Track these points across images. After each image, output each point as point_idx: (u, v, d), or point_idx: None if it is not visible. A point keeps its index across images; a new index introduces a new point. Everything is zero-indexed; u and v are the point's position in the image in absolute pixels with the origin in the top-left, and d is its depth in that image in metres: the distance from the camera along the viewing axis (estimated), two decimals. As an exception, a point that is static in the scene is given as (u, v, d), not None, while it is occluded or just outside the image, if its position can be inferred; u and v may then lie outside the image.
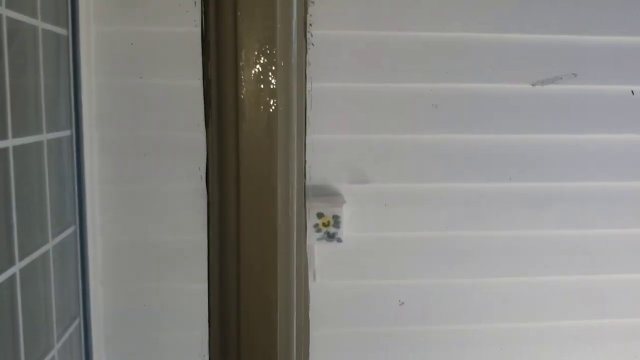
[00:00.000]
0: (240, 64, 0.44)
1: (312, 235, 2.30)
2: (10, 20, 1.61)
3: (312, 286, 2.36)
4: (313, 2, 1.88)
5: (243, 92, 0.41)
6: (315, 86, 2.23)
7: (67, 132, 2.06)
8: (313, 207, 2.29)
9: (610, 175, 2.44)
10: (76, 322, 2.15)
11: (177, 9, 2.17)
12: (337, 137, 2.30)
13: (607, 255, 2.50)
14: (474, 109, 2.34)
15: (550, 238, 2.46)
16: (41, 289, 1.86)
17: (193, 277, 2.32)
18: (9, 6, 1.60)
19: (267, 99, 0.45)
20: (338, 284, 2.39)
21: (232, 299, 0.47)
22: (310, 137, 2.28)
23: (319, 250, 2.36)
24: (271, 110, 0.46)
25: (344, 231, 2.32)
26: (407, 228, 2.39)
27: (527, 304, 2.49)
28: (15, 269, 1.64)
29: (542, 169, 2.40)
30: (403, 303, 2.43)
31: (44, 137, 1.86)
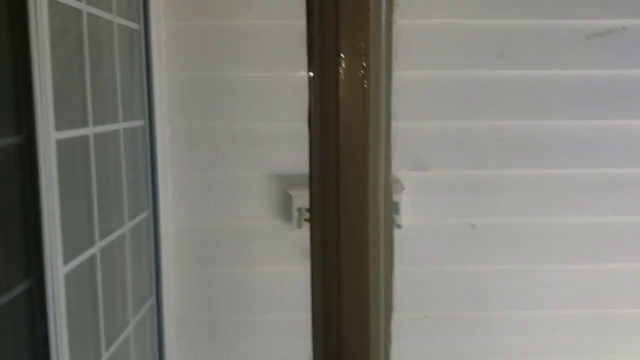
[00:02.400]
0: (341, 58, 0.48)
1: (373, 222, 2.35)
2: (90, 16, 1.73)
3: (373, 271, 2.41)
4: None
5: (341, 83, 0.45)
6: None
7: (140, 122, 2.18)
8: (374, 194, 2.33)
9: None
10: (149, 302, 2.27)
11: (246, 3, 2.26)
12: (396, 124, 2.33)
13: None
14: (536, 95, 2.33)
15: (615, 225, 2.42)
16: (118, 269, 1.98)
17: (260, 262, 2.41)
18: (89, 3, 1.71)
19: (363, 84, 0.50)
20: (397, 270, 2.43)
21: (334, 276, 0.51)
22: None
23: (379, 236, 2.40)
24: (366, 96, 0.51)
25: (404, 218, 2.35)
26: (467, 215, 2.40)
27: (587, 291, 2.47)
28: (95, 249, 1.76)
29: (606, 155, 2.37)
30: (462, 288, 2.45)
31: (120, 125, 1.98)
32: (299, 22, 2.27)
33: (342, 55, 0.58)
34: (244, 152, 2.36)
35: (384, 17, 0.57)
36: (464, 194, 2.39)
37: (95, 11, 1.77)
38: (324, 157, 0.61)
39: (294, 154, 2.37)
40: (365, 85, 0.59)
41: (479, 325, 2.48)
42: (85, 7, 1.69)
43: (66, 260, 1.53)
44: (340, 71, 0.58)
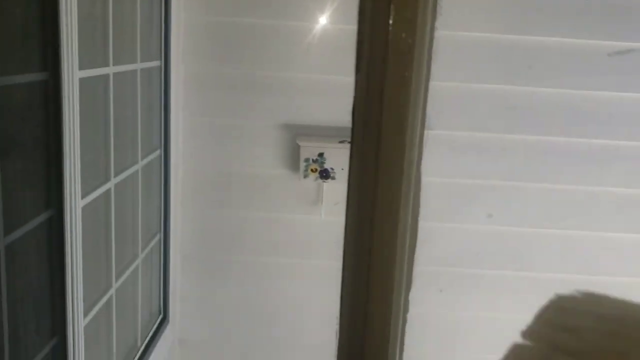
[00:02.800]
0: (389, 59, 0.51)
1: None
2: (115, -44, 1.75)
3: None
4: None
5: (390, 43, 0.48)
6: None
7: (157, 63, 2.22)
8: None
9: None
10: (157, 238, 2.37)
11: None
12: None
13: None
14: (540, 61, 2.36)
15: (610, 195, 2.49)
16: (130, 204, 2.06)
17: (265, 208, 2.49)
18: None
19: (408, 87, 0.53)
20: (398, 224, 2.51)
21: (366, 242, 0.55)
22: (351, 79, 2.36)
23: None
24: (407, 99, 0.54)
25: (408, 174, 2.42)
26: (468, 176, 2.47)
27: (580, 257, 2.55)
28: (110, 184, 1.83)
29: (605, 126, 2.41)
30: (460, 247, 2.53)
31: (138, 66, 2.03)
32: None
33: (389, 56, 0.61)
34: (256, 100, 2.41)
35: (428, 25, 0.60)
36: (467, 155, 2.45)
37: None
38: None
39: (305, 105, 2.42)
40: (409, 89, 0.63)
41: (474, 282, 2.58)
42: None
43: (84, 194, 1.60)
44: (387, 72, 0.61)
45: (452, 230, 2.53)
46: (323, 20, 2.35)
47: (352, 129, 0.64)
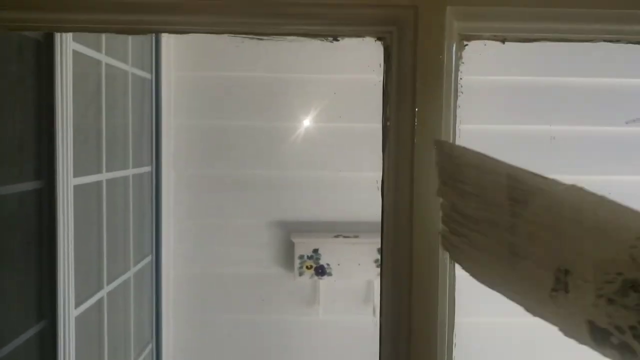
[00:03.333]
0: (416, 109, 0.53)
1: (372, 270, 2.38)
2: (108, 66, 1.80)
3: (373, 321, 2.43)
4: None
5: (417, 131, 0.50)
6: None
7: (148, 169, 2.23)
8: (373, 243, 2.37)
9: None
10: (149, 348, 2.27)
11: (243, 55, 2.34)
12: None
13: None
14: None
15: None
16: (122, 313, 1.99)
17: (261, 309, 2.42)
18: (107, 54, 1.78)
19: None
20: (398, 319, 2.45)
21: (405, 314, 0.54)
22: (376, 174, 2.39)
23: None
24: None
25: (405, 267, 2.39)
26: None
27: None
28: (103, 293, 1.78)
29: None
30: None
31: (130, 172, 2.03)
32: (304, 75, 2.35)
33: (416, 145, 0.62)
34: (246, 199, 2.41)
35: (452, 106, 0.61)
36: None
37: (112, 61, 1.84)
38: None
39: (297, 202, 2.41)
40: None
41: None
42: (104, 58, 1.75)
43: (78, 304, 1.55)
44: (415, 160, 0.63)
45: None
46: (309, 119, 2.39)
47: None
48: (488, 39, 0.60)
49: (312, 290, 2.45)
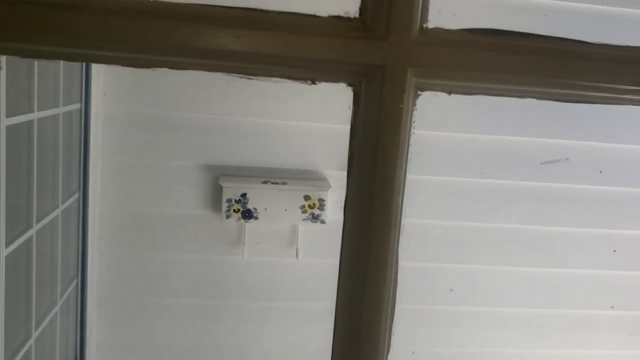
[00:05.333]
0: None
1: (297, 216, 2.48)
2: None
3: (295, 263, 2.55)
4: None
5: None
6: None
7: (77, 106, 2.19)
8: (300, 190, 2.47)
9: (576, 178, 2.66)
10: (74, 283, 2.30)
11: None
12: (328, 126, 2.47)
13: (563, 251, 2.73)
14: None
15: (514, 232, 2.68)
16: (49, 251, 2.01)
17: (185, 249, 2.49)
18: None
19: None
20: (319, 262, 2.58)
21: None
22: (306, 124, 2.46)
23: (303, 230, 2.54)
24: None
25: (328, 214, 2.50)
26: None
27: (485, 290, 2.72)
28: (32, 232, 1.78)
29: (511, 167, 2.61)
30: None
31: (60, 110, 2.00)
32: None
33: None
34: (176, 141, 2.42)
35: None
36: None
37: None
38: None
39: (227, 146, 2.45)
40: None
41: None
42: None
43: (7, 243, 1.56)
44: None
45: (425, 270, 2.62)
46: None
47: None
48: (437, 90, 0.73)
49: (237, 232, 2.52)
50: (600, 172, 2.65)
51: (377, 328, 0.75)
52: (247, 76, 0.71)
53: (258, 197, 2.48)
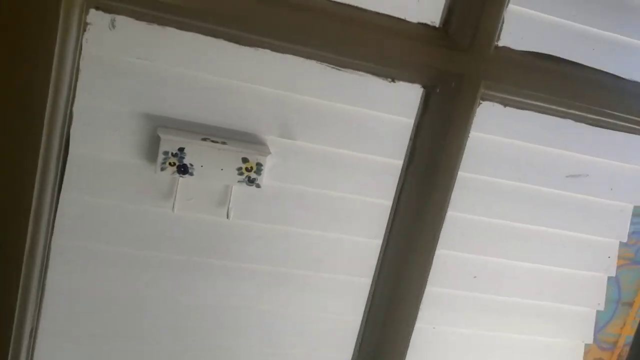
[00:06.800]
0: None
1: (233, 177, 2.49)
2: None
3: (225, 223, 2.56)
4: None
5: None
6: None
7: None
8: (239, 152, 2.47)
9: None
10: None
11: None
12: (274, 91, 2.48)
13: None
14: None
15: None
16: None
17: (116, 196, 2.43)
18: None
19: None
20: (249, 224, 2.61)
21: None
22: (253, 87, 2.45)
23: (238, 191, 2.55)
24: None
25: (264, 179, 2.53)
26: (318, 186, 2.65)
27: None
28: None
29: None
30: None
31: None
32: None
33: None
34: (118, 85, 2.34)
35: None
36: (318, 167, 2.63)
37: None
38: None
39: (169, 98, 2.40)
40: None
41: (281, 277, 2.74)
42: None
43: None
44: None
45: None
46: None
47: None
48: (496, 102, 0.82)
49: (170, 186, 2.49)
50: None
51: (410, 303, 0.82)
52: (337, 67, 0.74)
53: (196, 153, 2.45)
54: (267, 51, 0.76)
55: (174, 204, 2.50)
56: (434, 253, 0.83)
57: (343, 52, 0.71)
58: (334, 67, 0.74)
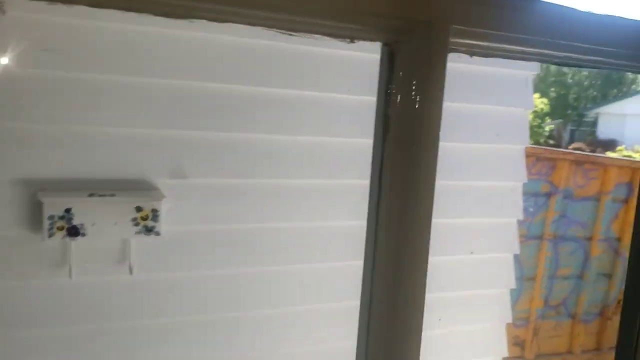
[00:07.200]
0: None
1: (129, 229, 2.34)
2: None
3: (129, 280, 2.39)
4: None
5: None
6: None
7: None
8: (131, 201, 2.33)
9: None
10: None
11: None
12: (154, 132, 2.37)
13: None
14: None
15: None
16: None
17: (4, 275, 2.19)
18: None
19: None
20: (155, 277, 2.45)
21: None
22: (131, 130, 2.33)
23: (137, 243, 2.39)
24: None
25: (163, 225, 2.39)
26: (223, 221, 2.55)
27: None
28: None
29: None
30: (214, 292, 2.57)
31: None
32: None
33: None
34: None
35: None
36: (218, 201, 2.53)
37: None
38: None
39: (46, 158, 2.23)
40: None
41: (232, 325, 2.63)
42: None
43: None
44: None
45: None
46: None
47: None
48: (462, 52, 0.74)
49: (62, 252, 2.29)
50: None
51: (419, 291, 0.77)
52: (289, 32, 0.67)
53: (84, 211, 2.28)
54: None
55: (70, 270, 2.30)
56: (429, 231, 0.77)
57: (294, 11, 0.63)
58: (285, 32, 0.66)
